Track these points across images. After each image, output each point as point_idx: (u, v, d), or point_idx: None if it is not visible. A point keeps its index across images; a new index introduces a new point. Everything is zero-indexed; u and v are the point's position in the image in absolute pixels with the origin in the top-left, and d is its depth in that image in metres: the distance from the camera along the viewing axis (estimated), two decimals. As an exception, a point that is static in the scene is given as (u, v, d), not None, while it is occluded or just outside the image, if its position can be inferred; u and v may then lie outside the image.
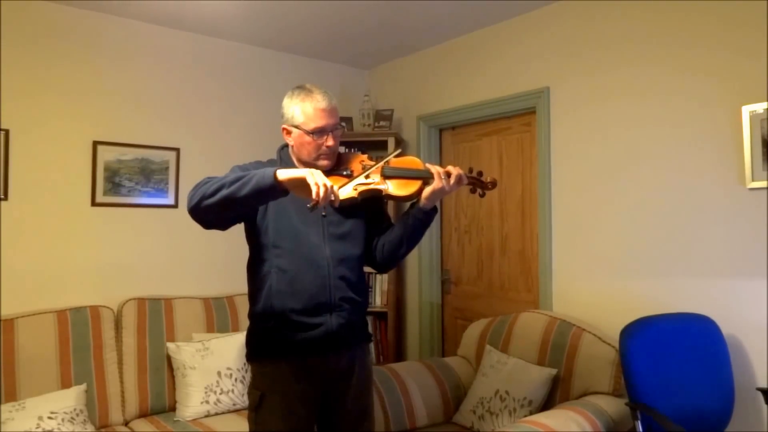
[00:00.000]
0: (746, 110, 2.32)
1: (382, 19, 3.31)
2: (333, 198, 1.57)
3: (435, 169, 1.81)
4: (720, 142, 2.43)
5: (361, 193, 1.80)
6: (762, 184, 2.29)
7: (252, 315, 1.87)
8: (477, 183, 1.92)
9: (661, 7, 2.62)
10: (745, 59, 2.35)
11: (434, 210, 1.88)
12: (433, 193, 1.82)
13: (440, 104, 3.75)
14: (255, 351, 1.86)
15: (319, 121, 1.80)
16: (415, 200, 1.89)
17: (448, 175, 1.81)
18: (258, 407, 1.80)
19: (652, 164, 2.66)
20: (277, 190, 1.58)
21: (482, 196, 1.96)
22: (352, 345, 1.90)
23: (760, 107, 2.29)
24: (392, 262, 1.97)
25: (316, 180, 1.53)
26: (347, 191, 1.76)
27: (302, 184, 1.54)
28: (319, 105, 1.80)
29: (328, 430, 1.91)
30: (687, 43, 2.54)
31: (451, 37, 3.64)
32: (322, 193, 1.51)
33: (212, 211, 1.65)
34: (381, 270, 2.05)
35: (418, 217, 1.87)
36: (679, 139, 2.56)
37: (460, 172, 1.83)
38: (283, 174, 1.57)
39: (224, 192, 1.60)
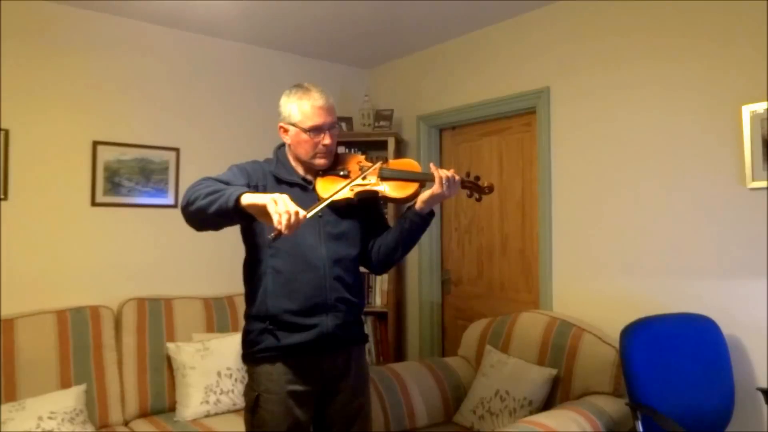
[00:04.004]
0: (746, 110, 2.32)
1: (382, 19, 3.31)
2: (298, 226, 1.44)
3: (437, 174, 1.78)
4: (720, 142, 2.42)
5: (357, 193, 1.80)
6: (762, 184, 2.28)
7: (248, 315, 1.87)
8: (473, 187, 1.90)
9: (661, 7, 2.62)
10: (745, 59, 2.35)
11: (431, 214, 1.87)
12: (432, 197, 1.81)
13: (440, 104, 3.74)
14: (250, 352, 1.85)
15: (317, 119, 1.80)
16: (412, 203, 1.88)
17: (450, 179, 1.78)
18: (254, 408, 1.79)
19: (652, 164, 2.65)
20: (240, 214, 1.50)
21: (478, 200, 1.94)
22: (348, 346, 1.89)
23: (760, 107, 2.28)
24: (387, 264, 1.96)
25: (278, 209, 1.42)
26: (344, 192, 1.76)
27: (264, 212, 1.45)
28: (317, 103, 1.80)
29: (324, 430, 1.90)
30: (687, 43, 2.53)
31: (451, 36, 3.63)
32: (284, 222, 1.41)
33: (193, 218, 1.62)
34: (376, 272, 2.04)
35: (414, 221, 1.86)
36: (679, 139, 2.56)
37: (458, 177, 1.82)
38: (247, 199, 1.48)
39: (198, 204, 1.56)
